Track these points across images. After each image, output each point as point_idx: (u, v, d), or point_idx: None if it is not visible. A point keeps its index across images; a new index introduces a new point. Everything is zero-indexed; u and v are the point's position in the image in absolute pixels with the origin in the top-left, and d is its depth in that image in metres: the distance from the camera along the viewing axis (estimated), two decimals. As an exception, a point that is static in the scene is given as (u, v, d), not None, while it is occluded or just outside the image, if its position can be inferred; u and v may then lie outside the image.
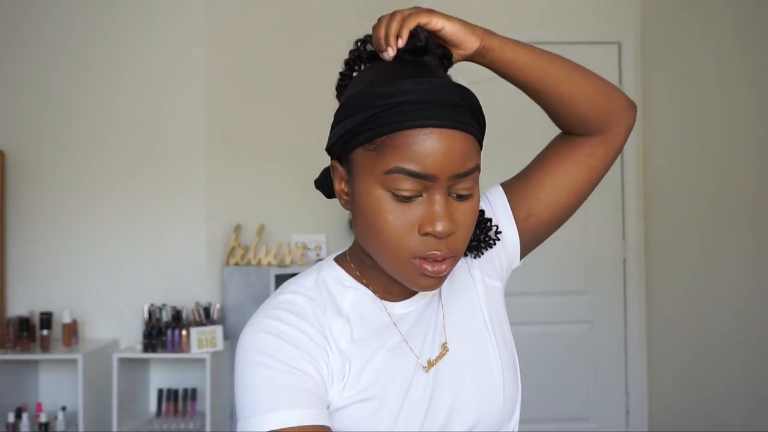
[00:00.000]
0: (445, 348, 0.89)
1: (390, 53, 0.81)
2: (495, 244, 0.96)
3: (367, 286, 0.90)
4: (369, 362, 0.85)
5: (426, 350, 0.88)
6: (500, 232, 0.96)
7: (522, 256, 1.01)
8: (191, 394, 3.39)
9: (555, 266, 3.53)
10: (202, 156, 3.55)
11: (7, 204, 3.44)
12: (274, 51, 3.58)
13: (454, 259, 0.82)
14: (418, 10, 0.83)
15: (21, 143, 3.47)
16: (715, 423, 2.91)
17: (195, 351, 3.17)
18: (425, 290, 0.83)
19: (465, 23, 0.85)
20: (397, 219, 0.79)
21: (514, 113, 3.48)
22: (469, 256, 0.96)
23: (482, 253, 0.96)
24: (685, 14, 3.25)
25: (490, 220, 0.96)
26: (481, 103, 0.81)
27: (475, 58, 0.88)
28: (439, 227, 0.78)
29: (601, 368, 3.61)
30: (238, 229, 3.47)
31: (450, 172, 0.77)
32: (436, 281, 0.82)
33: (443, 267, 0.81)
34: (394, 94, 0.76)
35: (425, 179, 0.77)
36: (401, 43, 0.80)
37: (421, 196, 0.79)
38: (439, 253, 0.80)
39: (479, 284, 0.96)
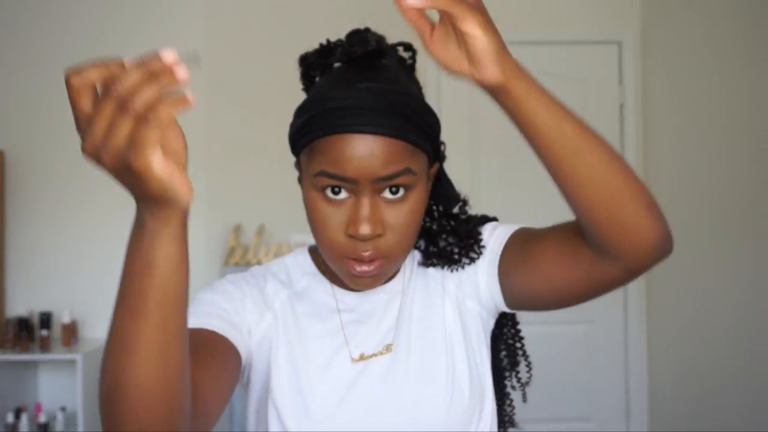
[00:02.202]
0: (387, 349, 0.91)
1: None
2: (477, 258, 0.93)
3: (324, 273, 0.96)
4: (303, 335, 0.91)
5: (364, 344, 0.91)
6: (484, 247, 0.93)
7: (511, 307, 0.94)
8: (191, 395, 3.39)
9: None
10: (201, 156, 3.54)
11: (6, 204, 3.43)
12: (273, 50, 3.57)
13: (388, 260, 0.85)
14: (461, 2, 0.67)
15: (21, 143, 3.47)
16: (715, 423, 2.91)
17: (195, 351, 3.17)
18: (360, 288, 0.88)
19: (501, 47, 0.69)
20: (328, 219, 0.83)
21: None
22: (446, 268, 0.95)
23: (461, 266, 0.94)
24: (686, 14, 3.25)
25: (479, 235, 0.94)
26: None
27: (487, 90, 0.72)
28: (361, 230, 0.81)
29: (601, 368, 3.60)
30: (237, 229, 3.47)
31: (371, 175, 0.80)
32: (368, 281, 0.86)
33: (371, 268, 0.84)
34: (324, 101, 0.81)
35: (347, 182, 0.81)
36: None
37: (351, 197, 0.82)
38: (366, 254, 0.83)
39: (451, 298, 0.94)
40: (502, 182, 3.49)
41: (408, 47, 0.91)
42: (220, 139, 3.57)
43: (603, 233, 0.76)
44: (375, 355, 0.90)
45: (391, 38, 0.93)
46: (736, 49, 2.86)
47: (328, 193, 0.82)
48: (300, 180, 0.90)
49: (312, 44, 0.93)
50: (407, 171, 0.81)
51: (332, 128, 0.80)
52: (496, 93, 0.72)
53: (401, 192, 0.83)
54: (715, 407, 2.95)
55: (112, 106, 0.51)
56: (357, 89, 0.80)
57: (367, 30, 0.87)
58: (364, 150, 0.79)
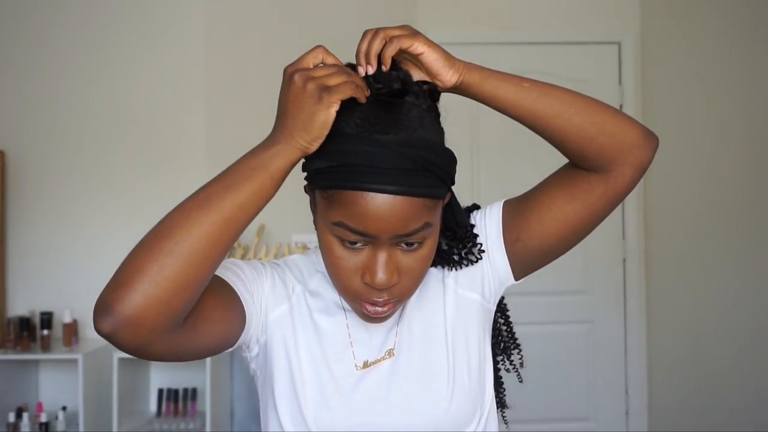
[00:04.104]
0: (390, 353, 0.93)
1: (369, 70, 0.84)
2: (476, 261, 0.96)
3: None
4: (317, 330, 0.94)
5: (368, 351, 0.94)
6: (483, 251, 0.96)
7: (518, 276, 0.99)
8: (191, 394, 3.39)
9: (555, 266, 3.48)
10: (202, 156, 3.55)
11: (7, 204, 3.44)
12: (274, 50, 3.57)
13: (399, 302, 0.88)
14: (402, 33, 0.83)
15: (21, 143, 3.47)
16: (715, 423, 2.91)
17: (195, 351, 3.17)
18: (370, 322, 0.91)
19: (448, 55, 0.84)
20: (343, 262, 0.85)
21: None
22: (446, 268, 0.98)
23: (461, 267, 0.97)
24: (685, 14, 3.25)
25: (476, 236, 0.96)
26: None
27: (456, 91, 0.87)
28: (377, 281, 0.83)
29: (601, 368, 3.60)
30: (238, 229, 3.47)
31: (391, 233, 0.82)
32: (380, 319, 0.89)
33: (385, 309, 0.87)
34: (347, 154, 0.80)
35: (366, 237, 0.82)
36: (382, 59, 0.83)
37: (367, 247, 0.84)
38: (380, 300, 0.86)
39: (450, 293, 0.97)
40: (502, 182, 3.49)
41: (427, 83, 0.89)
42: (220, 139, 3.57)
43: (593, 154, 0.88)
44: (378, 361, 0.93)
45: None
46: (736, 49, 2.87)
47: (346, 243, 0.84)
48: (312, 206, 0.91)
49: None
50: (426, 226, 0.83)
51: (352, 183, 0.80)
52: (461, 90, 0.86)
53: (416, 243, 0.85)
54: (715, 407, 2.95)
55: (337, 69, 0.79)
56: (379, 144, 0.80)
57: (394, 68, 0.85)
58: (385, 209, 0.80)
